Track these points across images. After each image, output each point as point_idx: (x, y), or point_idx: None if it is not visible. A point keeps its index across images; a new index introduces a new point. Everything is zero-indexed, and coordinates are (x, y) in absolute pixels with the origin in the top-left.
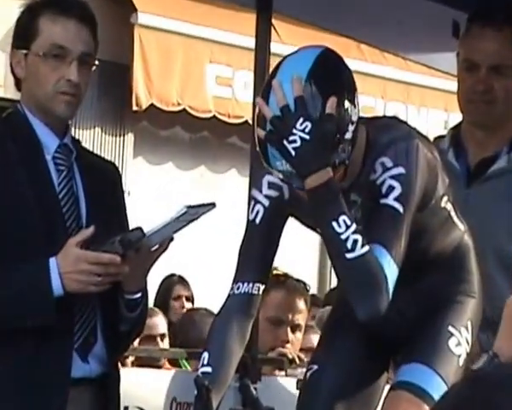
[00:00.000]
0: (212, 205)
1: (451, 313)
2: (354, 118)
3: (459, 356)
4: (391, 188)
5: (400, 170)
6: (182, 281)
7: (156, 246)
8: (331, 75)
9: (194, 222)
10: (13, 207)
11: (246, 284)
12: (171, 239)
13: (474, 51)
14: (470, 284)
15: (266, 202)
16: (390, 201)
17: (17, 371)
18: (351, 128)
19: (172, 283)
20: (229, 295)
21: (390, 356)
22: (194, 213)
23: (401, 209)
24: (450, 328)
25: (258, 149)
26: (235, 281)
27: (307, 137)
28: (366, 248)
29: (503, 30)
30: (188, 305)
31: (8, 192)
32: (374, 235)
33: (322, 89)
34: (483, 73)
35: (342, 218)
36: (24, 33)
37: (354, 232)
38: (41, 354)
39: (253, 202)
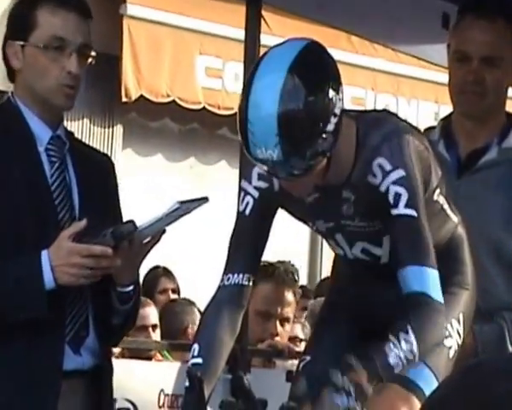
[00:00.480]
0: (205, 199)
1: None
2: (337, 110)
3: (449, 348)
4: (398, 195)
5: (400, 172)
6: (167, 273)
7: (148, 238)
8: (315, 66)
9: (168, 225)
10: (4, 199)
11: (236, 275)
12: (164, 232)
13: (465, 42)
14: (463, 275)
15: (256, 194)
16: (401, 210)
17: (9, 366)
18: (333, 120)
19: (157, 275)
20: (219, 287)
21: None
22: (186, 207)
23: (415, 213)
24: None
25: (240, 138)
26: (225, 272)
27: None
28: (414, 341)
29: (496, 21)
30: (173, 297)
31: (1, 184)
32: (404, 256)
33: (305, 79)
34: (475, 65)
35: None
36: (21, 25)
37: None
38: (32, 348)
39: (242, 194)
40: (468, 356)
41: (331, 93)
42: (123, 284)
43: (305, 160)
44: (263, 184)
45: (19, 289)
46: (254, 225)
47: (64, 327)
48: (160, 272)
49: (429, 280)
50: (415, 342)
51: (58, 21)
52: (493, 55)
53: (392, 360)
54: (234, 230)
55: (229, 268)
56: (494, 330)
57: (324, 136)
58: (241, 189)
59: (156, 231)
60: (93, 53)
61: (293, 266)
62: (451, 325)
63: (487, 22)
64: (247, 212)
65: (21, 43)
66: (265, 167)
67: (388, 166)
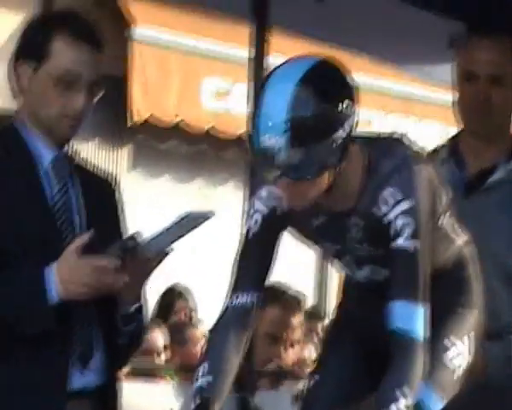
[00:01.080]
0: (211, 213)
1: (449, 326)
2: (347, 125)
3: (457, 368)
4: (401, 227)
5: (407, 204)
6: (182, 294)
7: (152, 255)
8: (326, 82)
9: (191, 234)
10: (5, 220)
11: (244, 296)
12: (169, 251)
13: (472, 62)
14: (470, 295)
15: (264, 213)
16: (403, 241)
17: (13, 383)
18: (341, 132)
19: (173, 296)
20: (226, 307)
21: None
22: (191, 221)
23: (416, 245)
24: (446, 341)
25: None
26: (232, 292)
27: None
28: (404, 401)
29: (502, 40)
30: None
31: (1, 205)
32: (395, 289)
33: (316, 89)
34: (481, 84)
35: None
36: (34, 49)
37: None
38: (38, 366)
39: (251, 211)
40: (478, 376)
41: (342, 106)
42: (126, 304)
43: (311, 161)
44: (271, 203)
45: (24, 304)
46: (260, 245)
47: (70, 345)
48: (176, 294)
49: (414, 317)
50: (407, 402)
51: (72, 55)
52: (500, 74)
53: None
54: (239, 250)
55: (236, 288)
56: (503, 350)
57: (331, 145)
58: (248, 207)
59: (161, 246)
60: (102, 88)
61: (300, 297)
62: (456, 346)
63: (493, 41)
64: (254, 231)
65: (33, 66)
66: (269, 165)
67: (397, 197)
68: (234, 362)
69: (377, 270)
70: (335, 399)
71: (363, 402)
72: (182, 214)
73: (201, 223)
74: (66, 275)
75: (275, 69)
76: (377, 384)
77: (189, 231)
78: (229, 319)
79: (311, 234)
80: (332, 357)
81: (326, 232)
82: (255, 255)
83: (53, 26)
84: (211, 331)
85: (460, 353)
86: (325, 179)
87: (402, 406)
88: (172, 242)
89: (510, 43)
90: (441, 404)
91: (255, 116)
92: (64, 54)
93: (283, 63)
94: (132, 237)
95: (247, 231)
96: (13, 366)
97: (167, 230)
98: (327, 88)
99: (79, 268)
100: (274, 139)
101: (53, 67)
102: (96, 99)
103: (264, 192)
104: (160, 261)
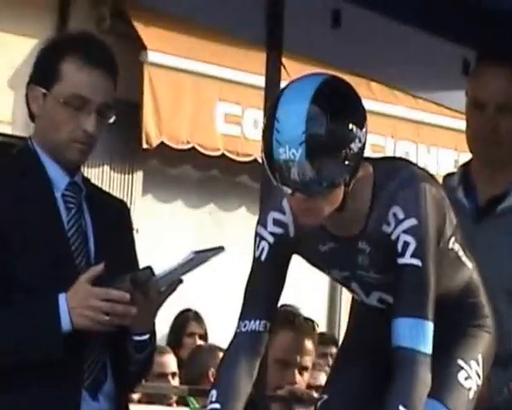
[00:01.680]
0: (221, 249)
1: (462, 347)
2: (358, 142)
3: (469, 390)
4: (406, 244)
5: (412, 222)
6: (196, 318)
7: (164, 288)
8: (339, 97)
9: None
10: (20, 244)
11: (253, 322)
12: (180, 281)
13: (481, 90)
14: (484, 319)
15: (271, 239)
16: (407, 259)
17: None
18: (353, 149)
19: (187, 319)
20: (236, 333)
21: None
22: (201, 257)
23: (420, 263)
24: (460, 361)
25: (261, 139)
26: (241, 319)
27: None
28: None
29: (509, 67)
30: (200, 342)
31: (16, 229)
32: (400, 306)
33: (329, 106)
34: (490, 112)
35: None
36: (45, 72)
37: None
38: (50, 394)
39: (258, 239)
40: (480, 401)
41: (352, 124)
42: (139, 333)
43: (322, 178)
44: (278, 230)
45: (35, 331)
46: (270, 271)
47: (82, 373)
48: (189, 316)
49: (419, 333)
50: None
51: (82, 79)
52: (508, 102)
53: None
54: (250, 275)
55: (245, 314)
56: (506, 376)
57: (343, 161)
58: (256, 234)
59: (172, 280)
60: (113, 113)
61: (312, 321)
62: (470, 367)
63: (502, 69)
64: (263, 258)
65: (43, 91)
66: (283, 179)
67: (401, 215)
68: (244, 388)
69: (385, 297)
70: None
71: None
72: (189, 255)
73: (210, 258)
74: (78, 303)
75: (286, 87)
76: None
77: (198, 265)
78: (240, 346)
79: (317, 261)
80: (341, 377)
81: (333, 259)
82: (264, 283)
83: (64, 48)
84: (222, 358)
85: (473, 373)
86: (337, 197)
87: None
88: (182, 275)
89: None
90: None
91: (270, 131)
92: (73, 77)
93: (294, 80)
94: (144, 271)
95: (255, 259)
96: (25, 393)
97: (177, 267)
98: (339, 104)
99: (91, 297)
100: (291, 152)
101: (62, 90)
102: (106, 123)
103: (270, 220)
104: (170, 293)
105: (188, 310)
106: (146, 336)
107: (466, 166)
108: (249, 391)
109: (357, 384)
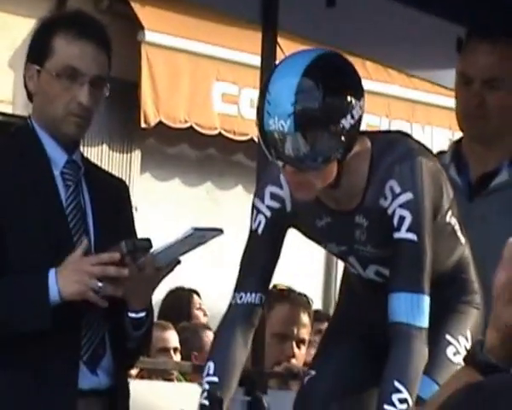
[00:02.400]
0: (220, 231)
1: (450, 322)
2: (355, 114)
3: (458, 365)
4: (402, 218)
5: (408, 196)
6: (198, 292)
7: (161, 265)
8: (334, 68)
9: (183, 254)
10: (18, 222)
11: (248, 295)
12: (178, 262)
13: (468, 66)
14: (473, 295)
15: (268, 213)
16: (403, 234)
17: (23, 384)
18: (349, 119)
19: (186, 295)
20: (231, 305)
21: None
22: (200, 235)
23: (416, 238)
24: (448, 337)
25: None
26: (237, 290)
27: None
28: (406, 393)
29: (498, 43)
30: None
31: (14, 207)
32: (396, 281)
33: (322, 78)
34: (476, 87)
35: None
36: (38, 49)
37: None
38: (48, 367)
39: (255, 212)
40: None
41: (349, 96)
42: (136, 310)
43: (316, 152)
44: (275, 204)
45: (23, 303)
46: (266, 244)
47: (80, 346)
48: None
49: (415, 308)
50: (407, 394)
51: (74, 51)
52: (495, 77)
53: None
54: (246, 247)
55: (240, 287)
56: None
57: (337, 132)
58: (253, 206)
59: (170, 257)
60: (108, 85)
61: (306, 296)
62: (459, 342)
63: (489, 44)
64: (260, 231)
65: (37, 67)
66: (275, 151)
67: (398, 189)
68: (239, 360)
69: (382, 270)
70: (330, 393)
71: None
72: (188, 230)
73: (209, 239)
74: (69, 272)
75: (282, 61)
76: (375, 380)
77: (197, 245)
78: (235, 318)
79: (314, 235)
80: (329, 353)
81: (330, 233)
82: (260, 256)
83: (56, 25)
84: (217, 330)
85: (462, 348)
86: (331, 171)
87: (403, 397)
88: (181, 254)
89: (507, 46)
90: None
91: (262, 103)
92: (65, 50)
93: (290, 55)
94: (142, 240)
95: (251, 232)
96: (21, 366)
97: (175, 243)
98: (332, 77)
99: (82, 263)
100: (279, 123)
101: (53, 65)
102: (102, 97)
103: (267, 193)
104: (169, 272)
105: (181, 288)
106: (142, 314)
107: (457, 143)
108: (244, 362)
109: (345, 360)
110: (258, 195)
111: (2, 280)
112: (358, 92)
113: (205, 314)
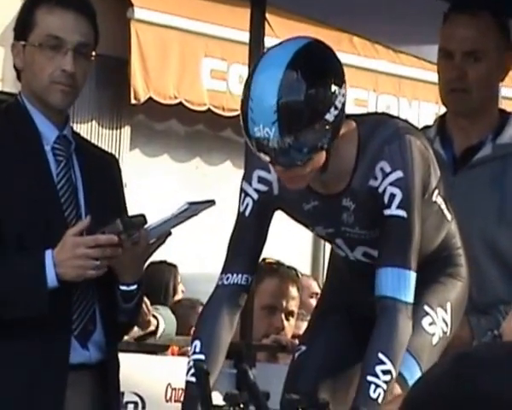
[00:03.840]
0: (212, 202)
1: (430, 294)
2: (338, 103)
3: (432, 335)
4: (392, 196)
5: (398, 174)
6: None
7: (154, 239)
8: (316, 60)
9: (174, 228)
10: (10, 197)
11: (235, 276)
12: (169, 234)
13: (448, 39)
14: (457, 267)
15: (255, 196)
16: (393, 210)
17: (15, 360)
18: (333, 111)
19: (168, 271)
20: (217, 286)
21: None
22: (194, 209)
23: (405, 215)
24: (426, 307)
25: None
26: (223, 272)
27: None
28: (390, 365)
29: (477, 16)
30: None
31: (5, 182)
32: (384, 256)
33: (307, 72)
34: (457, 61)
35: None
36: (22, 25)
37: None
38: (39, 342)
39: (243, 195)
40: (465, 345)
41: (332, 86)
42: (126, 283)
43: (302, 146)
44: (262, 188)
45: (20, 288)
46: (254, 227)
47: (71, 321)
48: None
49: (402, 282)
50: (391, 365)
51: (55, 20)
52: (475, 49)
53: (373, 394)
54: (233, 230)
55: (227, 268)
56: (491, 323)
57: (322, 125)
58: (241, 190)
59: (162, 231)
60: (93, 53)
61: (295, 269)
62: (436, 313)
63: (469, 17)
64: (247, 213)
65: (22, 42)
66: (262, 153)
67: (388, 169)
68: (226, 340)
69: (370, 251)
70: (321, 367)
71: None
72: (183, 205)
73: (201, 211)
74: (66, 256)
75: (264, 54)
76: (363, 352)
77: (188, 218)
78: (221, 299)
79: (301, 218)
80: (319, 328)
81: (317, 216)
82: (247, 237)
83: (37, 0)
84: (203, 309)
85: (439, 319)
86: (319, 160)
87: (387, 368)
88: (172, 227)
89: (487, 18)
90: (417, 367)
91: (245, 103)
92: (46, 20)
93: (272, 47)
94: (137, 217)
95: (239, 214)
96: (13, 341)
97: (169, 219)
98: (315, 70)
99: (79, 246)
100: (265, 130)
101: (36, 36)
102: (88, 65)
103: (255, 177)
104: (159, 245)
105: (163, 261)
106: (134, 287)
107: (442, 117)
108: (229, 342)
109: (335, 335)
110: (246, 178)
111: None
112: (340, 79)
113: (182, 290)
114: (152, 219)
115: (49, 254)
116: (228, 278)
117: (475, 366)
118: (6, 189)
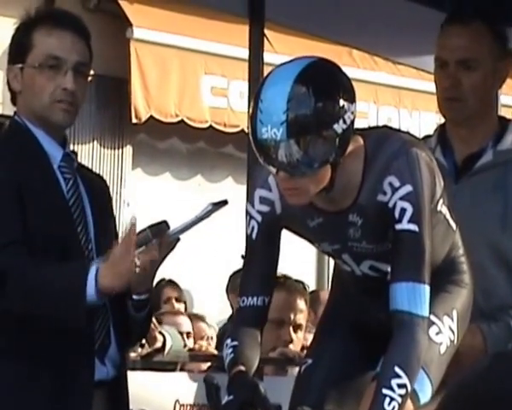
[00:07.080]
0: (225, 202)
1: (435, 302)
2: (347, 119)
3: (440, 344)
4: (403, 210)
5: (408, 188)
6: (171, 283)
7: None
8: (325, 76)
9: (191, 230)
10: (25, 217)
11: (250, 298)
12: (178, 240)
13: (442, 49)
14: (461, 274)
15: (259, 218)
16: (405, 225)
17: (41, 377)
18: (342, 124)
19: (161, 286)
20: (237, 309)
21: (380, 352)
22: (214, 209)
23: (417, 229)
24: (432, 317)
25: (248, 124)
26: (239, 295)
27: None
28: (406, 378)
29: (470, 25)
30: (178, 306)
31: (24, 201)
32: (398, 271)
33: (313, 85)
34: (451, 69)
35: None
36: (19, 48)
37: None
38: (66, 360)
39: (248, 218)
40: (479, 356)
41: (341, 100)
42: (139, 292)
43: (308, 156)
44: (265, 208)
45: (61, 300)
46: (262, 248)
47: (94, 338)
48: (163, 284)
49: (416, 297)
50: (407, 379)
51: (53, 41)
52: (468, 58)
53: (388, 407)
54: (245, 252)
55: (243, 291)
56: (502, 329)
57: (330, 135)
58: (246, 212)
59: (177, 235)
60: (91, 72)
61: (302, 283)
62: (443, 322)
63: (461, 26)
64: (254, 236)
65: (20, 65)
66: (267, 158)
67: (397, 183)
68: (256, 350)
69: (377, 265)
70: (326, 380)
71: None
72: (207, 207)
73: (214, 213)
74: (108, 268)
75: (273, 69)
76: (369, 366)
77: (203, 219)
78: (242, 320)
79: (307, 235)
80: (324, 341)
81: (323, 233)
82: (258, 259)
83: (32, 23)
84: (227, 334)
85: (446, 328)
86: (324, 176)
87: (402, 382)
88: (186, 230)
89: (479, 27)
90: (427, 379)
91: (254, 112)
92: (44, 41)
93: (282, 64)
94: (161, 224)
95: (247, 237)
96: (40, 358)
97: (191, 222)
98: (324, 84)
99: (127, 256)
100: (273, 131)
101: (35, 57)
102: (86, 84)
103: (256, 198)
104: (170, 251)
105: (162, 279)
106: (145, 295)
107: (442, 126)
108: (257, 359)
109: (341, 348)
110: (250, 200)
111: (41, 272)
112: (350, 97)
113: (179, 300)
114: (176, 224)
115: (92, 273)
116: (243, 301)
117: (506, 367)
118: (20, 209)
